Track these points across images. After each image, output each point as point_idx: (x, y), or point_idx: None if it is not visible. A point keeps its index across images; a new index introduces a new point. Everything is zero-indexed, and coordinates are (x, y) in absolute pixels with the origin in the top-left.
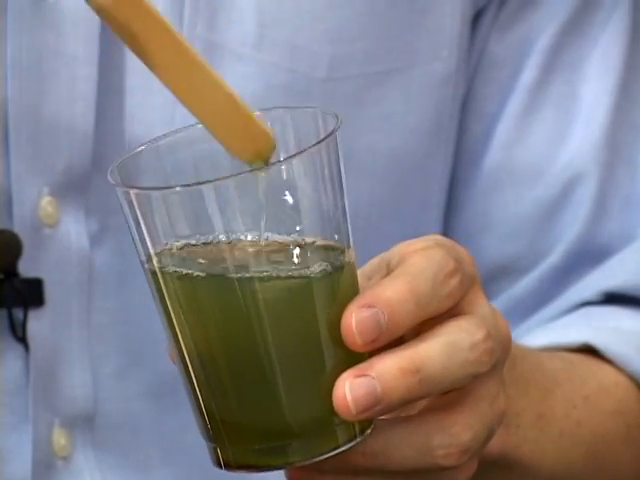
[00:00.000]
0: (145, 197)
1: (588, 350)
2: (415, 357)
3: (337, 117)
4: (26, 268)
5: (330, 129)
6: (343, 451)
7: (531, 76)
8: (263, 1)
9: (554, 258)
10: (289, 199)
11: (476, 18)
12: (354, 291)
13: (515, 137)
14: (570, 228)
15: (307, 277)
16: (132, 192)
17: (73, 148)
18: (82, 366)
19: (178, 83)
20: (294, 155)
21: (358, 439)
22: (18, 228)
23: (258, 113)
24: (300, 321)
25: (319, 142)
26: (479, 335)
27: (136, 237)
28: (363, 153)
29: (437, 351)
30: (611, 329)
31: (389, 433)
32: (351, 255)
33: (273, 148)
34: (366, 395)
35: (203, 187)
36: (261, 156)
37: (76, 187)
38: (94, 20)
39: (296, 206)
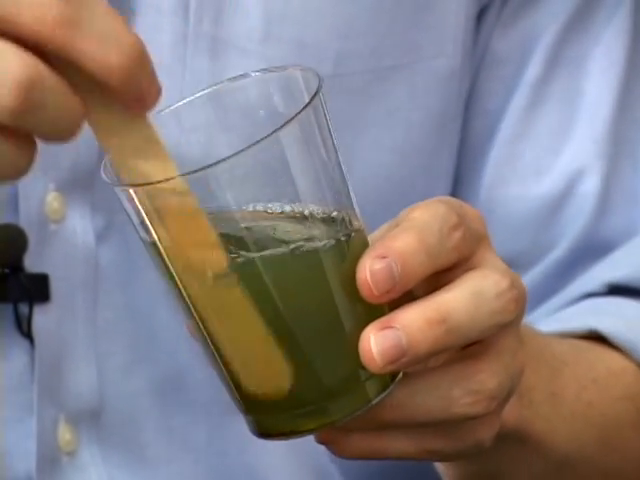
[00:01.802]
0: (144, 192)
1: (595, 338)
2: (441, 307)
3: (318, 75)
4: (32, 263)
5: (312, 88)
6: (374, 404)
7: (535, 72)
8: None
9: (558, 253)
10: (283, 170)
11: (480, 15)
12: (366, 248)
13: (519, 133)
14: (574, 223)
15: (319, 248)
16: (131, 189)
17: (79, 144)
18: (87, 362)
19: None
20: (283, 125)
21: (388, 390)
22: (24, 223)
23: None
24: (319, 288)
25: (304, 107)
26: (504, 284)
27: (137, 223)
28: (368, 149)
29: (463, 301)
30: (617, 317)
31: (415, 385)
32: (358, 218)
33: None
34: (392, 347)
35: (198, 175)
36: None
37: (82, 183)
38: None
39: (292, 176)
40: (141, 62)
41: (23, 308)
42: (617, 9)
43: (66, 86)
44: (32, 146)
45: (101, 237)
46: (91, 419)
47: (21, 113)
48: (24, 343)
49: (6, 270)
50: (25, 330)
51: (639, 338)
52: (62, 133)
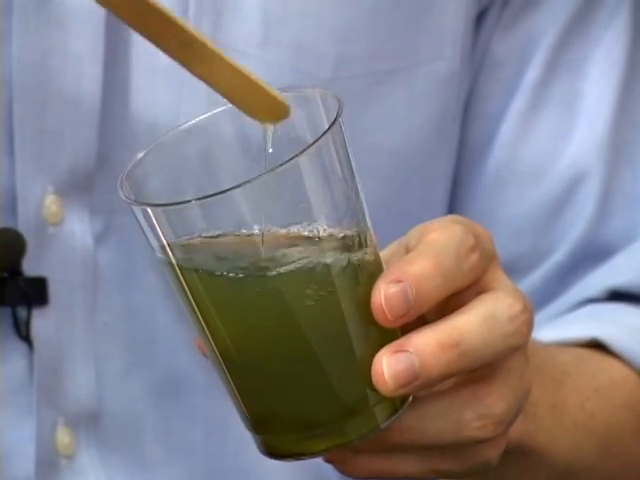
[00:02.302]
0: (162, 211)
1: (596, 345)
2: (454, 331)
3: (338, 99)
4: (30, 267)
5: (332, 111)
6: (384, 428)
7: (534, 75)
8: (268, 1)
9: (558, 256)
10: (301, 194)
11: (480, 17)
12: (380, 271)
13: (519, 136)
14: (574, 226)
15: (334, 270)
16: (149, 209)
17: (78, 147)
18: (86, 365)
19: (193, 65)
20: (301, 152)
21: (398, 414)
22: (22, 227)
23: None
24: (332, 310)
25: (324, 133)
26: (517, 307)
27: (151, 235)
28: (367, 152)
29: (476, 324)
30: (618, 325)
31: (424, 408)
32: (372, 238)
33: (287, 109)
34: (404, 370)
35: (216, 198)
36: (278, 116)
37: (80, 186)
38: (99, 19)
39: (310, 199)
40: None
41: (22, 312)
42: (617, 11)
43: None
44: None
45: (100, 240)
46: (90, 422)
47: None
48: (23, 347)
49: (4, 274)
50: (24, 333)
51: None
52: None
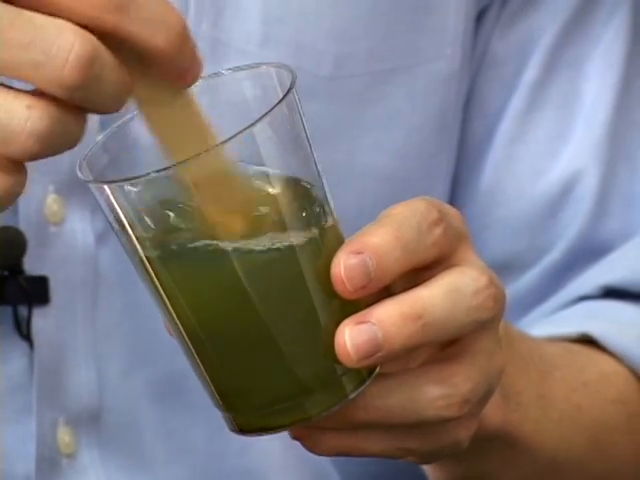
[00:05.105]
0: (119, 189)
1: (587, 341)
2: (417, 303)
3: (292, 71)
4: (31, 266)
5: (287, 84)
6: (351, 399)
7: (533, 74)
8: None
9: (555, 255)
10: (258, 165)
11: (479, 16)
12: (341, 244)
13: (517, 135)
14: (571, 225)
15: (293, 243)
16: (106, 187)
17: (79, 146)
18: (87, 364)
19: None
20: (255, 121)
21: (364, 385)
22: (23, 225)
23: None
24: (293, 282)
25: (278, 103)
26: (482, 281)
27: (110, 215)
28: (367, 152)
29: (440, 297)
30: (610, 321)
31: (389, 386)
32: (332, 209)
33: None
34: (367, 341)
35: (171, 171)
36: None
37: (82, 185)
38: None
39: (268, 172)
40: (184, 40)
41: (22, 310)
42: (616, 11)
43: (117, 61)
44: (85, 116)
45: (101, 239)
46: (90, 421)
47: (80, 88)
48: (23, 345)
49: (5, 272)
50: (24, 332)
51: (632, 343)
52: (112, 106)
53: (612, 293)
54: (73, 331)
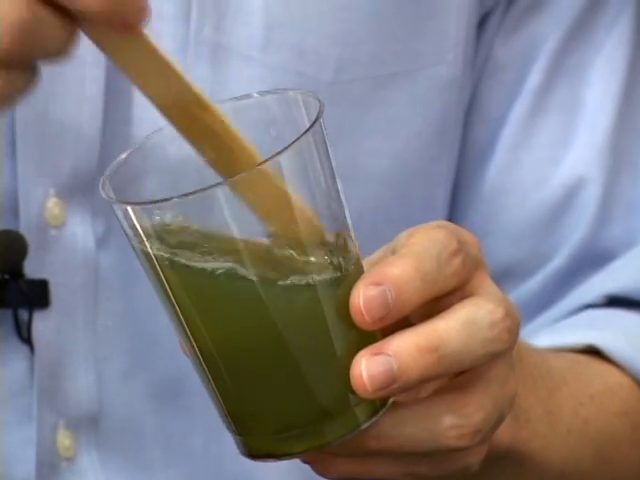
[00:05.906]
0: (143, 210)
1: (592, 352)
2: (434, 335)
3: (319, 100)
4: (32, 269)
5: (314, 113)
6: (364, 429)
7: (536, 80)
8: (270, 4)
9: (558, 262)
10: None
11: (482, 22)
12: (361, 274)
13: (520, 141)
14: (574, 232)
15: (314, 273)
16: (129, 207)
17: (80, 150)
18: (87, 368)
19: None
20: (282, 150)
21: (377, 416)
22: (24, 229)
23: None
24: (312, 311)
25: (304, 133)
26: (498, 313)
27: (132, 236)
28: (368, 156)
29: (456, 329)
30: (614, 331)
31: (402, 415)
32: (353, 239)
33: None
34: (383, 373)
35: (196, 196)
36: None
37: (82, 189)
38: None
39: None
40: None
41: (23, 314)
42: (619, 18)
43: (57, 16)
44: (34, 68)
45: (101, 243)
46: (90, 425)
47: (17, 53)
48: (24, 349)
49: (6, 276)
50: (25, 336)
51: (636, 353)
52: (58, 58)
53: (616, 301)
54: (73, 334)
